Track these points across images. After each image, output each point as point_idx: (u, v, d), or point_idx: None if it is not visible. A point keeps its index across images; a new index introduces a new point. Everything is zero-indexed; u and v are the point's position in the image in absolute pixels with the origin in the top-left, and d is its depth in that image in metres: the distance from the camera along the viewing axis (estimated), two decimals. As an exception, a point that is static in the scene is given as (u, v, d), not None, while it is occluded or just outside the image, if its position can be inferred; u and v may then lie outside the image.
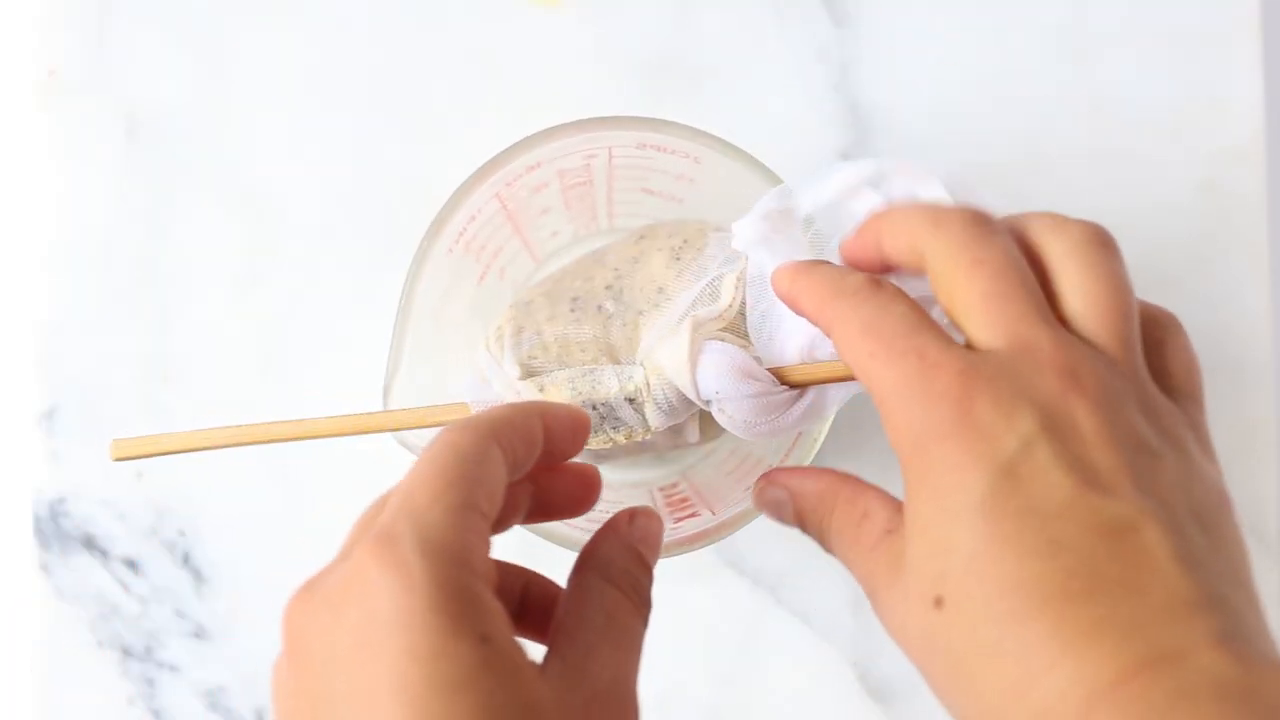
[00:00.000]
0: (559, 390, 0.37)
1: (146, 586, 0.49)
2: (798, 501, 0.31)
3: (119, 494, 0.50)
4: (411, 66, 0.51)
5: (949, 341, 0.27)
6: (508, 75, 0.51)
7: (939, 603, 0.25)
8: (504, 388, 0.37)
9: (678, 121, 0.37)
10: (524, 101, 0.51)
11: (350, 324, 0.50)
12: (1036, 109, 0.50)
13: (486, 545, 0.26)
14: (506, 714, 0.24)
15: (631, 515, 0.31)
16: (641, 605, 0.29)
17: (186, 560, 0.50)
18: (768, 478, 0.32)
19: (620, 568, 0.29)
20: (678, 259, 0.39)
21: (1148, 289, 0.50)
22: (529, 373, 0.38)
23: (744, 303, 0.36)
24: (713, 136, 0.38)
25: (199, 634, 0.49)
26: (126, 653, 0.49)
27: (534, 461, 0.29)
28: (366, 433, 0.34)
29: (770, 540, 0.49)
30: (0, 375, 0.52)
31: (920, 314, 0.28)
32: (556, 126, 0.37)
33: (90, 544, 0.50)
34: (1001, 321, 0.27)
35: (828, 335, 0.29)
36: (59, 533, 0.49)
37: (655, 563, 0.31)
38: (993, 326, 0.27)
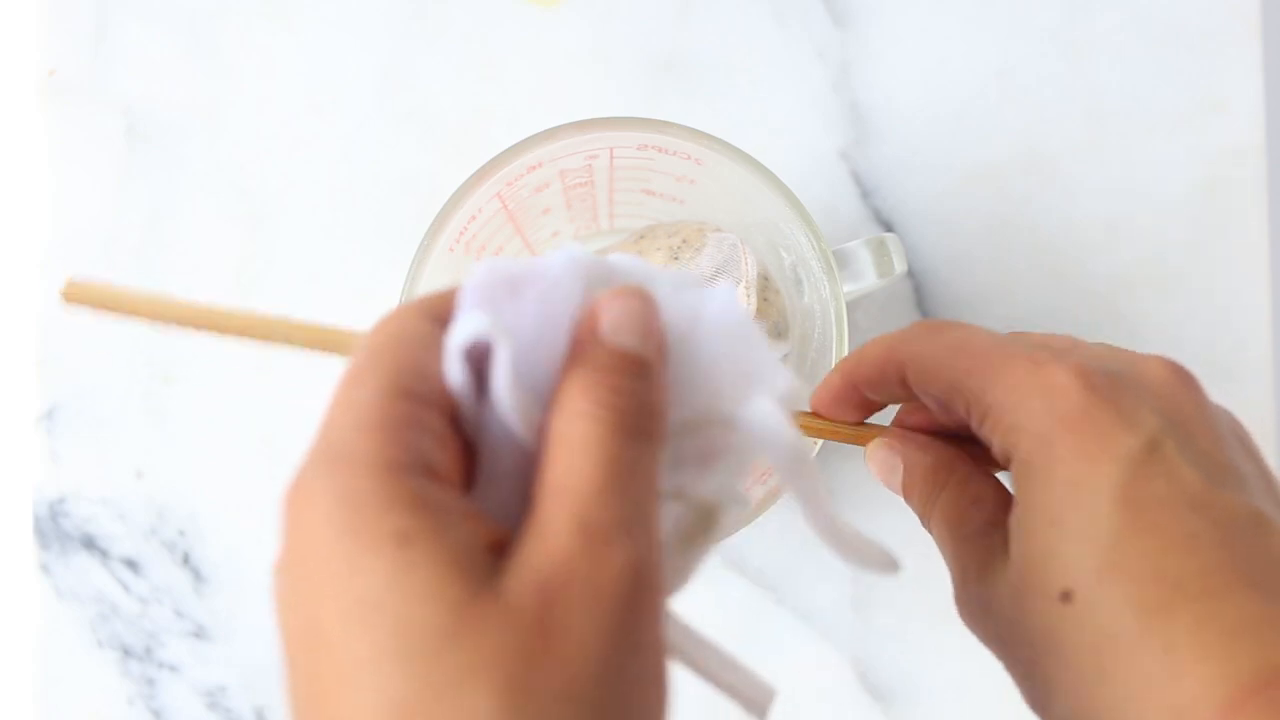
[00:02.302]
0: None
1: (146, 586, 0.49)
2: (909, 471, 0.30)
3: (119, 494, 0.50)
4: (411, 66, 0.51)
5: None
6: (508, 75, 0.51)
7: (1067, 596, 0.24)
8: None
9: (678, 123, 0.37)
10: (524, 101, 0.50)
11: (350, 324, 0.50)
12: (1036, 109, 0.50)
13: (425, 430, 0.22)
14: (431, 635, 0.19)
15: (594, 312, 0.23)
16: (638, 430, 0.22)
17: (186, 560, 0.50)
18: (886, 439, 0.31)
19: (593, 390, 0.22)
20: (676, 259, 0.39)
21: (1147, 289, 0.50)
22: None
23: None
24: (713, 138, 0.38)
25: (199, 634, 0.49)
26: (126, 653, 0.49)
27: None
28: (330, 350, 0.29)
29: (771, 540, 0.49)
30: (0, 375, 0.52)
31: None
32: (558, 127, 0.37)
33: (90, 544, 0.50)
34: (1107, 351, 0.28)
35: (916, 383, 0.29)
36: (59, 533, 0.49)
37: (657, 358, 0.23)
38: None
